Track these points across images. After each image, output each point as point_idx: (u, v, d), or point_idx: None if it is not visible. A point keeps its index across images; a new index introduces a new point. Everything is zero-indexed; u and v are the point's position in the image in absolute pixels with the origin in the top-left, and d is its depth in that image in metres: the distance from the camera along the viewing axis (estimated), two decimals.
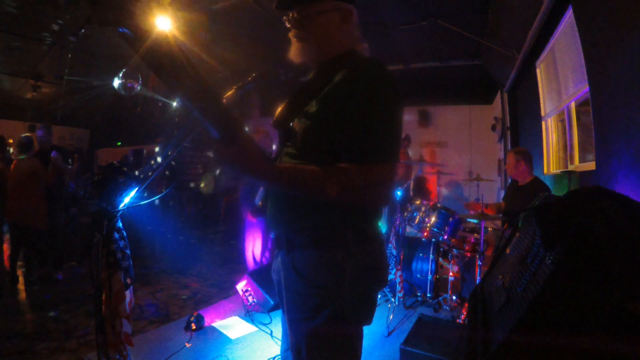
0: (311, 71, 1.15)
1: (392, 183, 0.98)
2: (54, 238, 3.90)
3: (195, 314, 2.83)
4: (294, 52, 1.11)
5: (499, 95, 6.35)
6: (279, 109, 1.11)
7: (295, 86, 1.14)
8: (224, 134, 0.88)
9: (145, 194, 1.48)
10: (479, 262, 3.02)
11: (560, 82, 3.49)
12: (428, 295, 3.41)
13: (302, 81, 1.16)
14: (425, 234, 3.46)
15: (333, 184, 0.92)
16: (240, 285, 3.25)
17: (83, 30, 4.69)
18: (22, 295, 3.49)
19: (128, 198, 1.49)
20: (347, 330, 1.00)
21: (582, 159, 3.24)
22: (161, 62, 0.80)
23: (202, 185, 8.88)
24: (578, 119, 3.35)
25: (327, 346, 0.99)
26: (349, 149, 0.95)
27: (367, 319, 1.05)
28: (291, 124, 1.07)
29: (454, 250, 3.42)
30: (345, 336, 1.00)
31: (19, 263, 3.81)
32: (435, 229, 3.35)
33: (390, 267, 3.37)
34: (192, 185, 8.71)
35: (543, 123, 4.15)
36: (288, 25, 1.11)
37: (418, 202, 3.56)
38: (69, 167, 4.06)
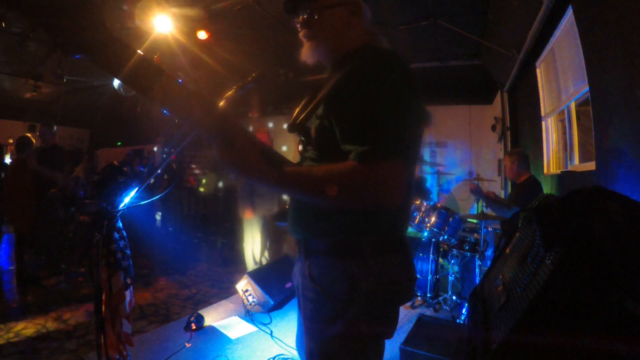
0: (326, 70, 1.11)
1: (398, 183, 0.86)
2: (47, 241, 3.86)
3: (195, 314, 2.83)
4: (305, 53, 1.09)
5: (499, 95, 6.34)
6: (295, 112, 1.06)
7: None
8: (222, 139, 0.87)
9: (145, 194, 1.48)
10: (478, 262, 3.02)
11: (560, 82, 3.48)
12: (428, 295, 3.41)
13: (317, 81, 1.11)
14: (425, 234, 3.47)
15: (332, 184, 0.85)
16: (240, 285, 3.25)
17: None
18: (23, 295, 3.49)
19: (128, 198, 1.49)
20: (363, 342, 0.96)
21: (582, 159, 3.23)
22: (151, 82, 0.78)
23: (201, 185, 8.87)
24: (578, 119, 3.34)
25: (340, 356, 0.96)
26: (351, 146, 0.88)
27: (387, 333, 1.00)
28: (308, 126, 1.03)
29: (454, 250, 3.42)
30: (359, 348, 0.96)
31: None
32: (435, 229, 3.35)
33: None
34: (191, 185, 8.70)
35: (543, 123, 4.15)
36: (298, 28, 1.09)
37: (418, 202, 3.56)
38: (59, 172, 3.95)
